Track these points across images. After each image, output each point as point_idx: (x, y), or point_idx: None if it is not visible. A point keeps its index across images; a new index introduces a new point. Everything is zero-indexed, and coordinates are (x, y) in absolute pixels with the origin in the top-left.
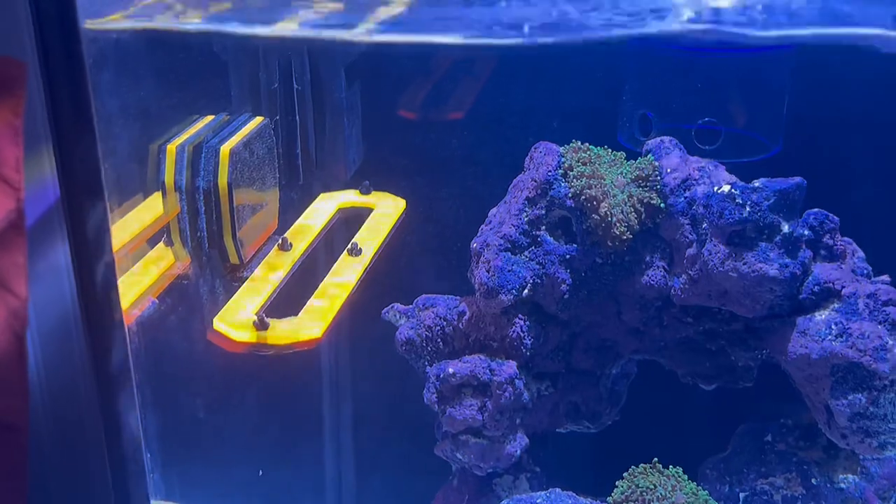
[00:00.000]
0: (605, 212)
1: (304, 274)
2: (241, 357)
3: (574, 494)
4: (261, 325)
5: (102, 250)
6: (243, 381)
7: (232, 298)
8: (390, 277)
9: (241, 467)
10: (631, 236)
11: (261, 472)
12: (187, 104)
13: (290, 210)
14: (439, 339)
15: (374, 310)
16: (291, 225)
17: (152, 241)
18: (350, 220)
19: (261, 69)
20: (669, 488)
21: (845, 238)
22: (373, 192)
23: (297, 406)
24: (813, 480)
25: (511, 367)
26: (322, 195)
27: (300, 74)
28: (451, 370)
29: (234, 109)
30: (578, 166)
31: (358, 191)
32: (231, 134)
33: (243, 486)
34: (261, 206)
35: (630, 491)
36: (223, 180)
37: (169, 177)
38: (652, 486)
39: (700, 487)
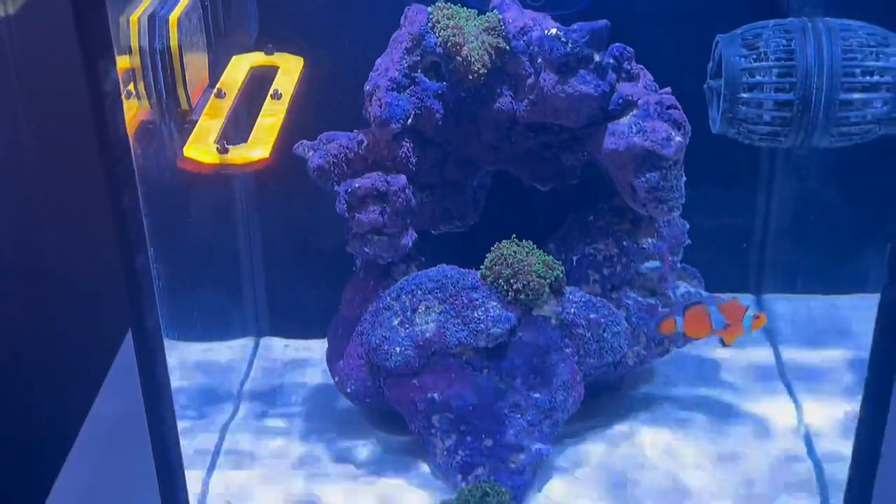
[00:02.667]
0: (466, 55)
1: (239, 115)
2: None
3: (456, 266)
4: (222, 150)
5: (112, 87)
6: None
7: (192, 133)
8: (294, 121)
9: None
10: (486, 72)
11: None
12: None
13: (211, 69)
14: (344, 164)
15: (285, 149)
16: (218, 80)
17: None
18: (259, 76)
19: None
20: (525, 254)
21: (639, 64)
22: (275, 53)
23: (215, 236)
24: (624, 243)
25: (402, 179)
26: (235, 56)
27: None
28: (356, 185)
29: None
30: (444, 20)
31: (263, 52)
32: (173, 6)
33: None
34: (198, 63)
35: (496, 258)
36: (174, 42)
37: (134, 42)
38: (513, 253)
39: (543, 253)
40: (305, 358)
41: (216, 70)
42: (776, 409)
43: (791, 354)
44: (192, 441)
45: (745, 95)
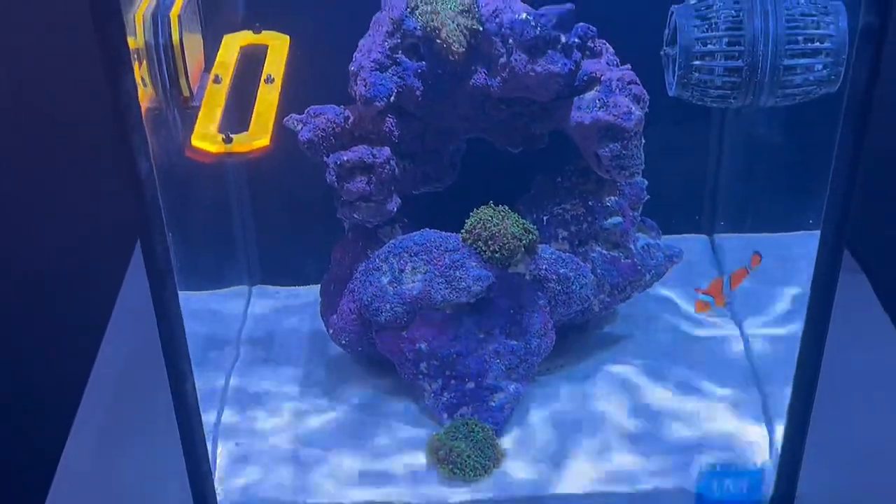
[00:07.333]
0: (445, 36)
1: (236, 99)
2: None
3: (438, 231)
4: (227, 140)
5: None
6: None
7: (196, 123)
8: (284, 95)
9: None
10: (463, 51)
11: None
12: None
13: (205, 51)
14: (332, 137)
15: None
16: (212, 62)
17: None
18: (248, 54)
19: None
20: (500, 218)
21: (601, 40)
22: (263, 32)
23: (215, 196)
24: (590, 203)
25: (387, 151)
26: (226, 36)
27: None
28: (344, 157)
29: None
30: (422, 5)
31: (251, 31)
32: (172, 2)
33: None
34: (195, 47)
35: (475, 222)
36: (176, 37)
37: (140, 38)
38: (489, 217)
39: (518, 216)
40: (297, 304)
41: (208, 49)
42: (728, 340)
43: (741, 289)
44: (198, 387)
45: (697, 62)
